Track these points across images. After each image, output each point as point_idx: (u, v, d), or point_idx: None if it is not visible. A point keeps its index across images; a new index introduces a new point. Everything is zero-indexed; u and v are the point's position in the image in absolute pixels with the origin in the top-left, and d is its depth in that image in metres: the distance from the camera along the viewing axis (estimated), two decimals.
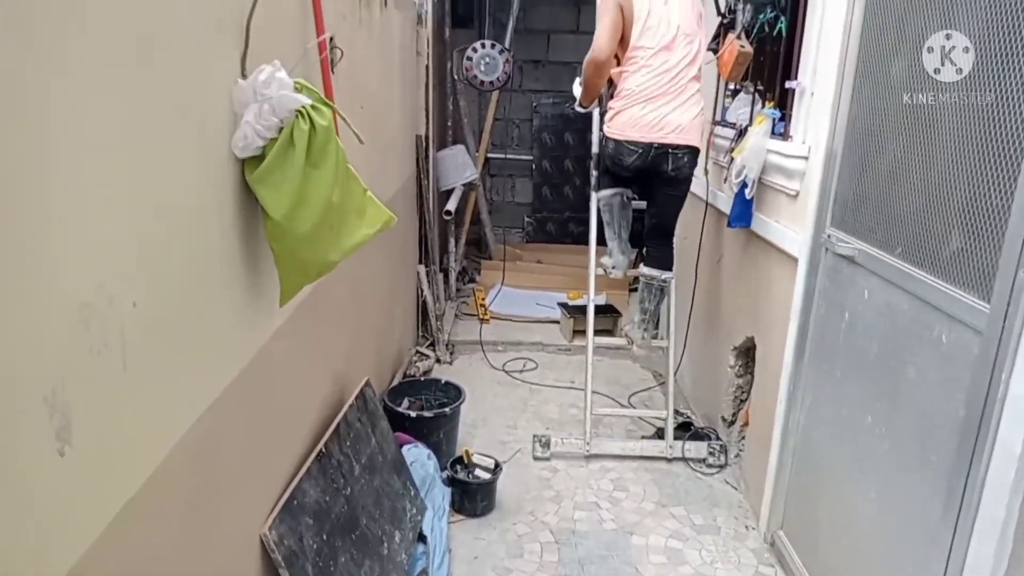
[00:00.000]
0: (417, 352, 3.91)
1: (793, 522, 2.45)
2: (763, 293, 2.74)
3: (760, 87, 2.86)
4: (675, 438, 3.11)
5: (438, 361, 3.99)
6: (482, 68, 4.69)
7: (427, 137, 4.10)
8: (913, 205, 1.76)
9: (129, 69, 0.99)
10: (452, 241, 4.77)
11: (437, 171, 4.54)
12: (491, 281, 5.22)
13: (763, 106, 2.74)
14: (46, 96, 0.82)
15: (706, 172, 3.24)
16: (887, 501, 1.85)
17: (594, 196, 3.22)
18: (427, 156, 4.08)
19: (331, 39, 1.80)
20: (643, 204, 3.19)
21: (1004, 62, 1.46)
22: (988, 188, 1.49)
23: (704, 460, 3.07)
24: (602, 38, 2.84)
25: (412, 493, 2.40)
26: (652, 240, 3.17)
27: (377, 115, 2.82)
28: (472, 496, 2.70)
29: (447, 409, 2.87)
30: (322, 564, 1.75)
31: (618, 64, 2.97)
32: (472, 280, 5.37)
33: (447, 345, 4.15)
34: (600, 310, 4.10)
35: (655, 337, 3.26)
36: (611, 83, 3.03)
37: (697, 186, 3.24)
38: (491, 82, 4.77)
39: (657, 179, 2.99)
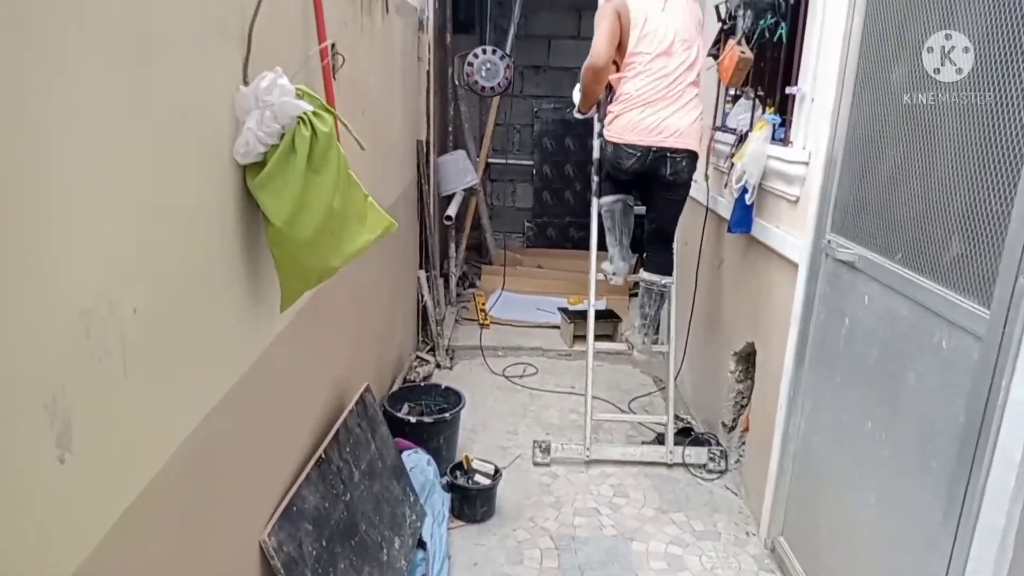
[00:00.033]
0: (417, 357, 3.91)
1: (793, 528, 2.45)
2: (763, 298, 2.74)
3: (760, 93, 2.86)
4: (675, 443, 3.11)
5: (438, 366, 3.99)
6: (483, 73, 4.71)
7: (428, 142, 4.11)
8: (913, 211, 1.76)
9: (129, 69, 0.99)
10: (452, 246, 4.77)
11: (438, 176, 4.55)
12: (491, 286, 5.21)
13: (763, 112, 2.74)
14: (46, 96, 0.82)
15: (706, 177, 3.24)
16: (887, 507, 1.85)
17: (595, 202, 3.22)
18: (428, 161, 4.09)
19: (333, 46, 1.80)
20: (643, 209, 3.19)
21: (1004, 65, 1.46)
22: (988, 194, 1.49)
23: (704, 466, 3.07)
24: (600, 44, 2.86)
25: (412, 499, 2.39)
26: (652, 245, 3.17)
27: (378, 121, 2.83)
28: (472, 502, 2.70)
29: (447, 415, 2.86)
30: (321, 570, 1.74)
31: (617, 70, 2.98)
32: (472, 285, 5.37)
33: (447, 350, 4.15)
34: (600, 315, 4.10)
35: (655, 342, 3.26)
36: (610, 89, 3.03)
37: (697, 191, 3.24)
38: (492, 87, 4.78)
39: (656, 183, 2.99)
